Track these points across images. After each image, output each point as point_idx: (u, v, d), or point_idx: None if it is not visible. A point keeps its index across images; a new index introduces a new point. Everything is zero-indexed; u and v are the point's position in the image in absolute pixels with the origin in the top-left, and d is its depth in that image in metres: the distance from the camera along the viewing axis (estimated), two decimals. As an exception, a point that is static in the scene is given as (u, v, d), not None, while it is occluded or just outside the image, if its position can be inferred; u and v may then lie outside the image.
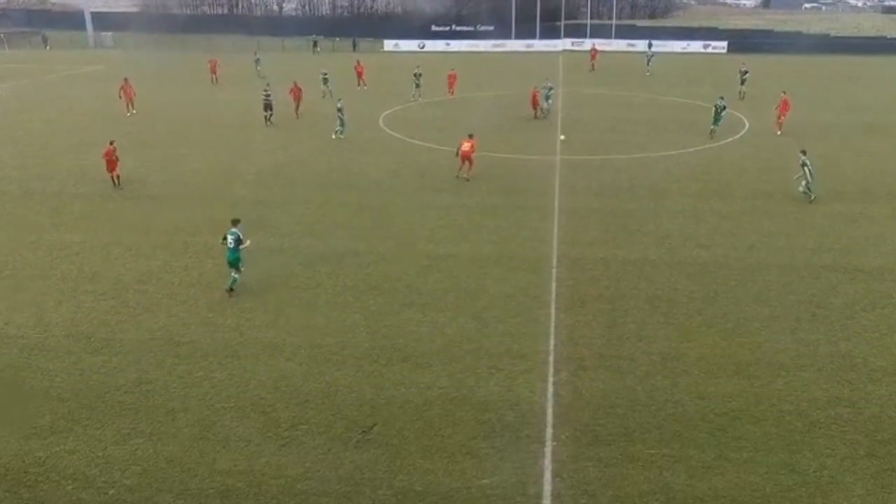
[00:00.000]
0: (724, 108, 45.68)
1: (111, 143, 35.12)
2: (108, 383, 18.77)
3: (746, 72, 61.44)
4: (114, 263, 26.57)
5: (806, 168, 32.48)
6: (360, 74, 69.30)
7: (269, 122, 50.62)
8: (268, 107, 50.73)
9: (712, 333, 21.23)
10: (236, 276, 23.64)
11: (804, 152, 32.87)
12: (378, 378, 18.95)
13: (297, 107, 52.24)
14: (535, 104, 53.05)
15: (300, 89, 52.56)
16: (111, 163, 35.07)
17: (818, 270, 25.68)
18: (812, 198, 32.51)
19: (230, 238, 23.07)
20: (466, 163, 36.10)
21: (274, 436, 16.64)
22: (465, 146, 36.11)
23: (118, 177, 35.49)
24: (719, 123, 46.10)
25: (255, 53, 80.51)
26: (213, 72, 72.66)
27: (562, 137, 35.05)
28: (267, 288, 24.40)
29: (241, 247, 23.30)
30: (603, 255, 26.99)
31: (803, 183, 32.65)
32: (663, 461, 15.70)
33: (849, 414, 17.36)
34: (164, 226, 30.33)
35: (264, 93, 50.95)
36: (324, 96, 59.27)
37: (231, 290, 23.62)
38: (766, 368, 19.33)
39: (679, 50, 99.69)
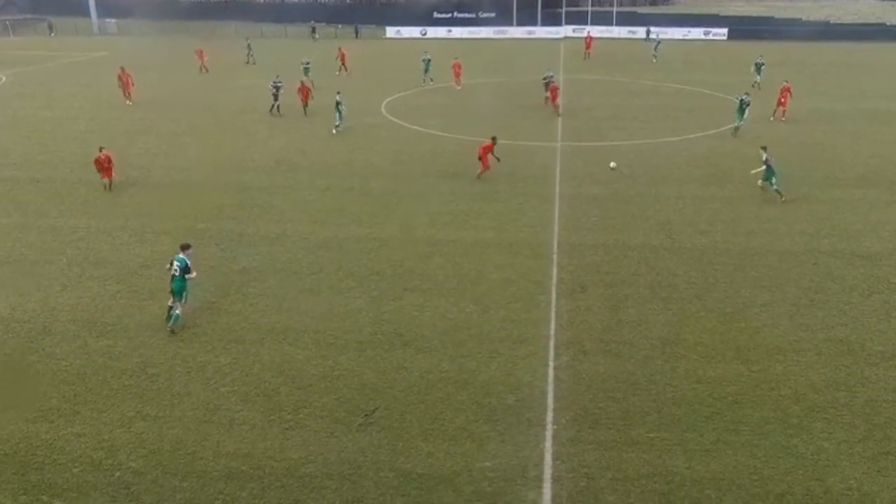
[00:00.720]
0: (749, 103, 43.07)
1: (101, 150, 32.96)
2: (114, 367, 18.83)
3: (763, 63, 60.04)
4: (119, 249, 26.61)
5: (768, 165, 31.23)
6: (342, 60, 68.90)
7: (273, 112, 49.37)
8: (276, 97, 49.37)
9: (711, 318, 21.25)
10: (177, 311, 20.56)
11: (765, 148, 31.81)
12: (380, 362, 19.00)
13: (306, 105, 49.44)
14: (554, 98, 50.12)
15: (308, 88, 50.29)
16: (105, 170, 32.80)
17: (817, 256, 25.68)
18: (783, 198, 30.99)
19: (176, 265, 20.24)
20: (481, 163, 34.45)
21: (277, 419, 16.70)
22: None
23: (110, 182, 33.14)
24: (744, 119, 43.04)
25: (247, 39, 79.94)
26: (201, 59, 70.47)
27: (612, 165, 33.88)
28: (270, 273, 24.44)
29: (188, 276, 20.38)
30: (603, 241, 26.98)
31: (773, 180, 31.15)
32: (662, 445, 15.75)
33: (846, 398, 17.40)
34: (168, 212, 30.31)
35: (273, 85, 49.69)
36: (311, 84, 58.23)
37: (172, 330, 20.54)
38: (764, 353, 19.36)
39: (680, 37, 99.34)
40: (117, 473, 14.97)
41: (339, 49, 70.56)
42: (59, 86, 63.46)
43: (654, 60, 76.59)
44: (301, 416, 16.83)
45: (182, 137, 43.95)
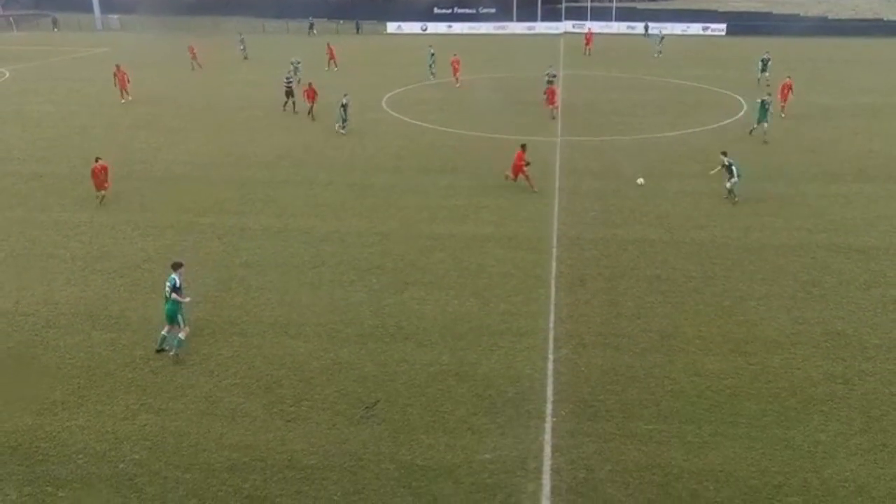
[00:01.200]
0: (770, 103, 40.46)
1: (97, 161, 30.03)
2: (117, 360, 18.86)
3: (769, 60, 58.20)
4: (122, 243, 26.62)
5: (733, 168, 30.01)
6: (331, 56, 68.47)
7: (287, 109, 48.23)
8: (289, 93, 48.22)
9: (709, 312, 21.27)
10: (180, 335, 18.74)
11: (725, 153, 30.50)
12: (381, 355, 19.02)
13: (312, 108, 46.16)
14: (552, 101, 46.50)
15: (315, 91, 46.26)
16: (99, 182, 29.97)
17: (814, 250, 25.68)
18: (736, 200, 30.11)
19: (167, 286, 18.64)
20: (521, 176, 31.89)
21: (279, 412, 16.72)
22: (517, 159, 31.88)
23: (103, 196, 30.33)
24: (766, 120, 40.10)
25: (240, 35, 79.36)
26: (193, 57, 68.79)
27: (640, 181, 32.60)
28: (272, 267, 24.45)
29: (179, 299, 18.58)
30: (602, 235, 26.98)
31: (731, 182, 30.09)
32: (660, 437, 15.77)
33: (843, 391, 17.41)
34: (171, 206, 30.34)
35: (286, 80, 48.90)
36: (298, 83, 54.91)
37: (174, 351, 18.76)
38: (761, 346, 19.37)
39: (679, 32, 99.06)
40: (121, 465, 15.00)
41: (328, 45, 70.15)
42: (62, 81, 63.29)
43: (657, 56, 76.22)
44: (303, 408, 16.86)
45: (184, 132, 43.88)
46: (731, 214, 29.08)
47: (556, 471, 14.76)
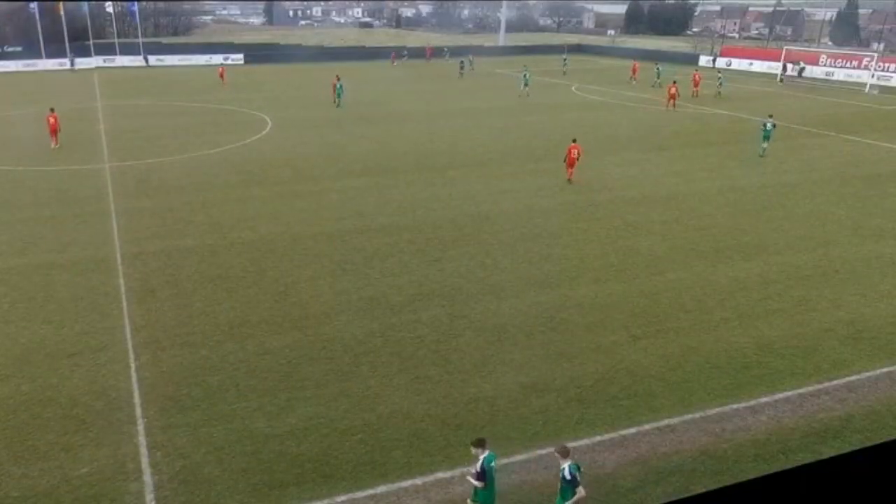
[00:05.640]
0: (775, 125, 38.44)
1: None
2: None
3: (528, 75, 54.97)
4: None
5: None
6: None
7: None
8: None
9: (268, 298, 21.49)
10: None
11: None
12: (-47, 399, 16.12)
13: None
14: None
15: None
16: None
17: (343, 234, 27.19)
18: None
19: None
20: None
21: None
22: None
23: None
24: (766, 141, 38.20)
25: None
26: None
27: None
28: None
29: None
30: (164, 247, 25.73)
31: None
32: (244, 412, 15.62)
33: (380, 342, 18.80)
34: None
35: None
36: None
37: None
38: (314, 319, 20.10)
39: (203, 62, 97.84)
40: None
41: None
42: None
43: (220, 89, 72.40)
44: None
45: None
46: (273, 213, 29.58)
47: (154, 466, 13.86)
